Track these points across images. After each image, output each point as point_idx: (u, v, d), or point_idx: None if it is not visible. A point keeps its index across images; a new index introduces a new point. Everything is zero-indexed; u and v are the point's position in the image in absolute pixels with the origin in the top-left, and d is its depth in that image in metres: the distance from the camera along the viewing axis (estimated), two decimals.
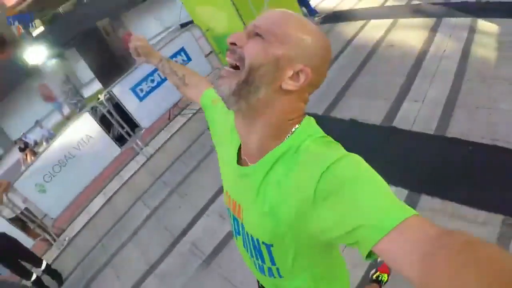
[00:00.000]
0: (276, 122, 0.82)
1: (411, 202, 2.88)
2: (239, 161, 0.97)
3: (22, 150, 10.67)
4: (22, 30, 10.19)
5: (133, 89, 5.73)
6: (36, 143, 11.63)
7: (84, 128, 5.69)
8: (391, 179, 3.16)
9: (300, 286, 0.99)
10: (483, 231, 2.47)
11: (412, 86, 4.18)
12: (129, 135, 6.06)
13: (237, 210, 0.99)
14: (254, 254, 0.98)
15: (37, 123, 11.61)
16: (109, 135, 5.88)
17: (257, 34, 0.78)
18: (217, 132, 1.16)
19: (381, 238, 0.60)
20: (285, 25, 0.78)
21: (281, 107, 0.81)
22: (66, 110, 13.94)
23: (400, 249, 0.58)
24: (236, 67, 0.79)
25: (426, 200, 2.86)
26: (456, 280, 0.46)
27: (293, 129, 0.83)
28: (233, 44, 0.80)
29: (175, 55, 6.02)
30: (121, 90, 5.74)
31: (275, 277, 0.98)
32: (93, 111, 6.01)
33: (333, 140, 0.83)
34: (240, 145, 0.96)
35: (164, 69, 1.45)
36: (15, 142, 12.15)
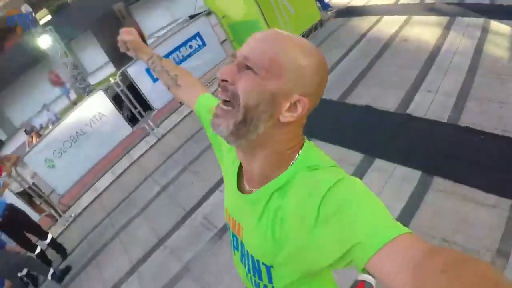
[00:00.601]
0: (276, 152, 0.81)
1: (424, 183, 2.98)
2: (240, 181, 0.97)
3: (28, 133, 10.70)
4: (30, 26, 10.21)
5: (148, 70, 5.78)
6: (42, 127, 11.68)
7: (97, 106, 5.78)
8: (404, 161, 3.24)
9: None
10: (492, 213, 2.56)
11: (426, 78, 4.26)
12: (141, 116, 6.11)
13: (236, 228, 0.99)
14: (252, 271, 0.96)
15: (44, 106, 11.63)
16: (121, 114, 5.94)
17: (248, 67, 0.74)
18: (220, 149, 1.13)
19: (372, 255, 0.60)
20: (277, 55, 0.73)
21: (281, 138, 0.80)
22: (73, 96, 14.04)
23: (391, 266, 0.57)
24: (229, 102, 0.77)
25: (438, 182, 2.94)
26: None
27: (296, 156, 0.82)
28: (225, 80, 0.77)
29: (190, 39, 6.10)
30: (136, 70, 5.81)
31: None
32: (107, 90, 6.05)
33: (332, 164, 0.81)
34: (240, 164, 0.96)
35: (154, 67, 1.35)
36: (22, 126, 12.15)
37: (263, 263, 0.89)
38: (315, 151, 0.85)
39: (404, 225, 0.62)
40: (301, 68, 0.73)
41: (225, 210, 1.07)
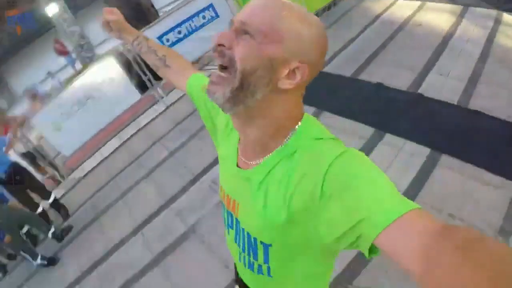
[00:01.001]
0: (275, 121, 0.80)
1: (432, 160, 3.06)
2: (237, 157, 0.95)
3: (31, 99, 10.62)
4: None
5: (160, 38, 5.75)
6: (46, 94, 11.65)
7: (107, 71, 5.75)
8: (414, 137, 3.32)
9: None
10: (496, 193, 2.65)
11: (438, 62, 4.32)
12: (151, 84, 6.10)
13: (231, 205, 0.98)
14: (247, 250, 0.95)
15: (49, 73, 11.50)
16: (131, 81, 5.93)
17: (246, 32, 0.72)
18: (216, 129, 1.12)
19: (381, 231, 0.58)
20: (276, 21, 0.71)
21: (279, 106, 0.79)
22: (79, 66, 13.92)
23: (400, 243, 0.56)
24: (226, 68, 0.75)
25: (446, 159, 3.03)
26: (456, 278, 0.44)
27: (296, 127, 0.82)
28: (221, 45, 0.75)
29: (203, 10, 6.03)
30: (150, 37, 5.74)
31: (263, 275, 0.95)
32: (117, 56, 6.00)
33: (333, 137, 0.80)
34: (238, 140, 0.94)
35: (141, 47, 1.31)
36: (25, 92, 12.08)
37: (260, 241, 0.88)
38: (316, 123, 0.84)
39: (412, 198, 0.64)
40: (302, 36, 0.73)
41: (220, 187, 1.07)
